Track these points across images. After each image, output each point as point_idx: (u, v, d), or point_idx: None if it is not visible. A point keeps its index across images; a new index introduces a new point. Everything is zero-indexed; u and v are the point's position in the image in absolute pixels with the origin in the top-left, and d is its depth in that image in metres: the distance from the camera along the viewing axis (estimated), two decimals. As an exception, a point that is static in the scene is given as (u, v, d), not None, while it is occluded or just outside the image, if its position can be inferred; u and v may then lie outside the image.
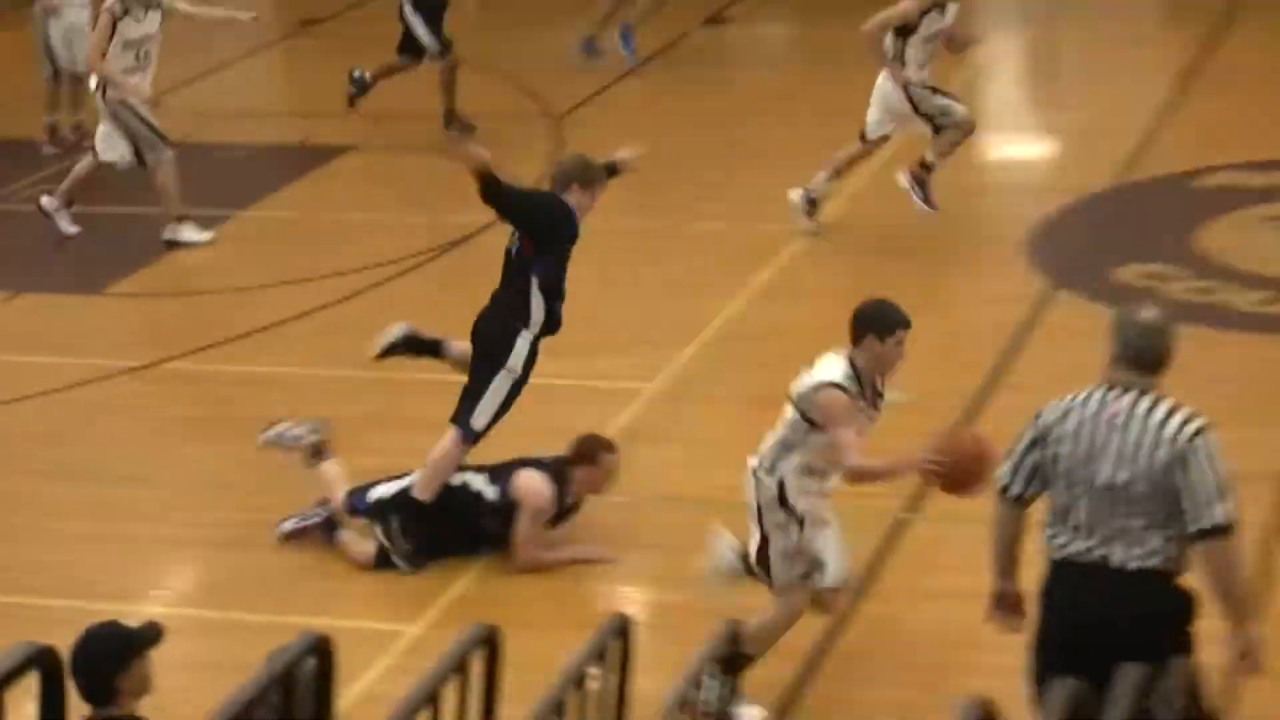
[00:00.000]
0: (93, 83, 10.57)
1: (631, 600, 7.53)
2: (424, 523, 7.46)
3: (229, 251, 10.92)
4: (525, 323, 7.50)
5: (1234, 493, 5.10)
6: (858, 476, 6.43)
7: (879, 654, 6.84)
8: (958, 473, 6.13)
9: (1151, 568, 5.06)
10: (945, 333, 8.98)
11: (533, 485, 7.54)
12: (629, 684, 4.94)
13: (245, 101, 14.54)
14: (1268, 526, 7.24)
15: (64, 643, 4.46)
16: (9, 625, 6.22)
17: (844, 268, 10.41)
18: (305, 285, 10.21)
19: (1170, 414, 5.08)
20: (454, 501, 7.55)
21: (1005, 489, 5.37)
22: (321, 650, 4.41)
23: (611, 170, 7.99)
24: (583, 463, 7.61)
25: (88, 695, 4.45)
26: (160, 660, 4.78)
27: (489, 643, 4.64)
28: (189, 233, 10.52)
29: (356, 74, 12.65)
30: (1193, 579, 5.18)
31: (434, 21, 12.56)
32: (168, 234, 10.52)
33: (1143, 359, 5.19)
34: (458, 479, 7.62)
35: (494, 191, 7.44)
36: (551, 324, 7.62)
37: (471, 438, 7.54)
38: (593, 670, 4.74)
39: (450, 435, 7.52)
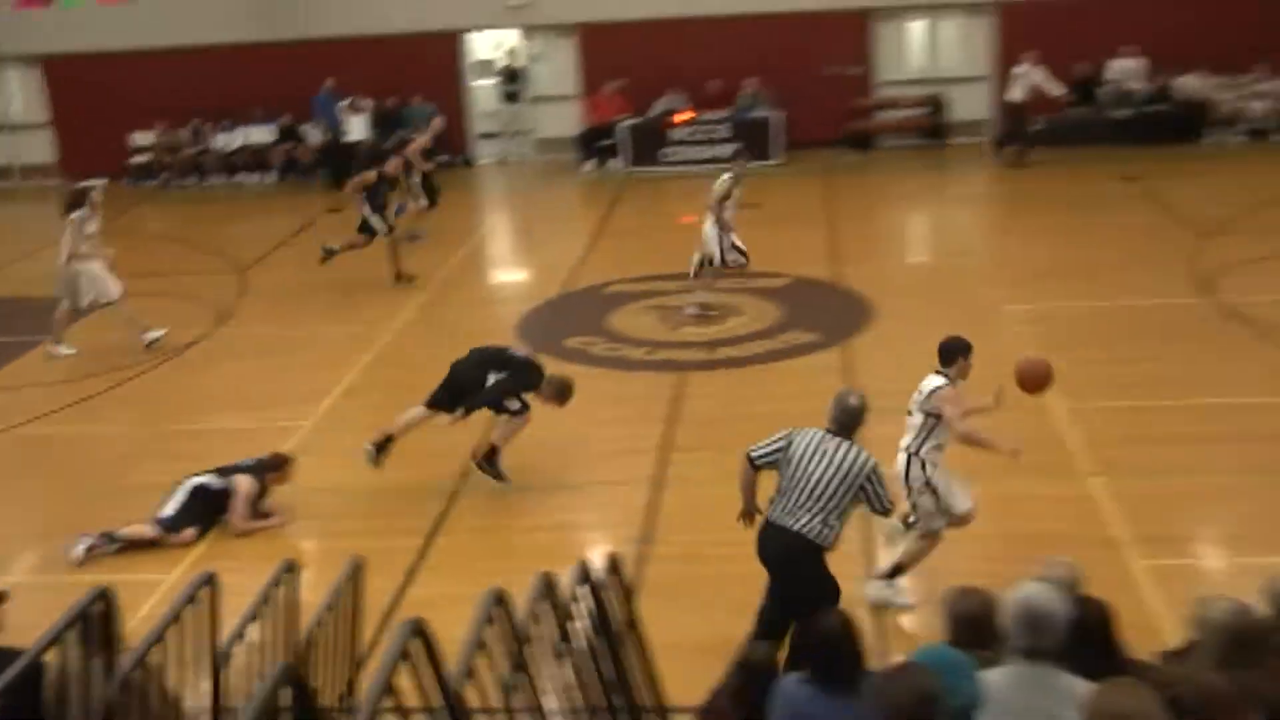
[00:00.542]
0: None
1: (307, 544, 8.15)
2: (191, 509, 8.36)
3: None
4: None
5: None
6: (969, 439, 6.46)
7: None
8: (1032, 385, 6.58)
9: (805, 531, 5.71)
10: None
11: (242, 481, 8.49)
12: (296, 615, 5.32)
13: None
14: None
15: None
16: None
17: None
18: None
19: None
20: (205, 492, 8.40)
21: (752, 460, 5.96)
22: (107, 597, 4.39)
23: None
24: (274, 468, 8.66)
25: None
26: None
27: (210, 582, 4.84)
28: None
29: (325, 247, 13.79)
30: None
31: (379, 210, 13.62)
32: None
33: (844, 423, 5.80)
34: (203, 479, 8.40)
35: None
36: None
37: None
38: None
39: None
